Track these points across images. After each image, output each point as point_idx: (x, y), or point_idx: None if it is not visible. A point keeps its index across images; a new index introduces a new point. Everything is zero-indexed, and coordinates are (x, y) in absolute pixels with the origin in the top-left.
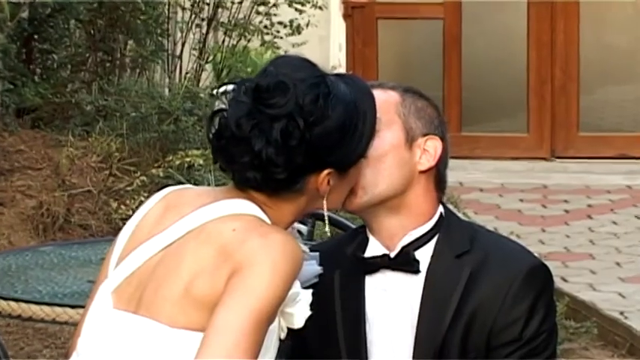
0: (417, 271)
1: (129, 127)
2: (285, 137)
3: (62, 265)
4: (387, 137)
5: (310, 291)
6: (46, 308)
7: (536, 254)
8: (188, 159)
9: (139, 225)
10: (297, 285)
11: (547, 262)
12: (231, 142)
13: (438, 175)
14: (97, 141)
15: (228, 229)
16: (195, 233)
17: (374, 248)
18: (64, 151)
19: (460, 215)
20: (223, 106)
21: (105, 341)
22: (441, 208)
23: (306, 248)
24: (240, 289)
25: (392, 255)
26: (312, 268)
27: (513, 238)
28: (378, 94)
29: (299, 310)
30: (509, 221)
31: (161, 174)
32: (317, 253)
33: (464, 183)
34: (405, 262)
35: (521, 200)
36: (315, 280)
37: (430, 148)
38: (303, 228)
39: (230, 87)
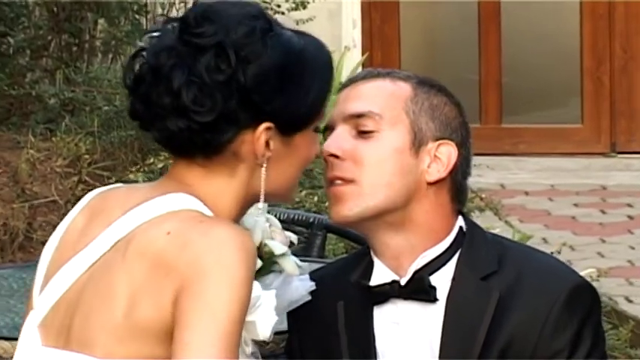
0: (434, 300)
1: (101, 123)
2: (211, 72)
3: (23, 292)
4: (389, 138)
5: (273, 291)
6: (5, 343)
7: (594, 270)
8: (172, 161)
9: (63, 240)
10: (256, 287)
11: (608, 279)
12: (151, 83)
13: (453, 186)
14: (63, 141)
15: (162, 234)
16: (125, 243)
17: (381, 274)
18: (24, 153)
19: (501, 224)
20: (143, 45)
21: None
22: (460, 221)
23: (299, 262)
24: (196, 314)
25: (403, 282)
26: (304, 284)
27: (566, 250)
28: (385, 85)
29: (262, 317)
30: (562, 230)
31: (140, 179)
32: (307, 265)
33: (506, 185)
34: (418, 289)
35: (576, 205)
36: (308, 297)
37: (442, 156)
38: (294, 237)
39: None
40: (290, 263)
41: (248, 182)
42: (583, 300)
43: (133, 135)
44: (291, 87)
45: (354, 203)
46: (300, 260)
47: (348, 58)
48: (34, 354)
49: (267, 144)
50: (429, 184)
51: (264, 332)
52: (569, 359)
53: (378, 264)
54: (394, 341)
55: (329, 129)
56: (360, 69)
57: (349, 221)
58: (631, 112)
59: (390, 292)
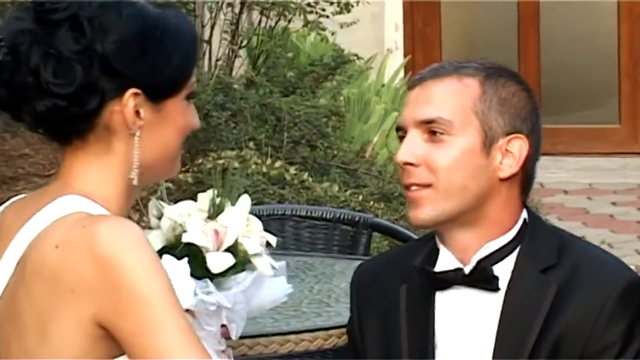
0: (496, 289)
1: None
2: (67, 45)
3: None
4: (459, 142)
5: (185, 260)
6: None
7: (632, 267)
8: (221, 161)
9: None
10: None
11: None
12: (12, 67)
13: (524, 178)
14: None
15: (51, 248)
16: (22, 263)
17: (446, 261)
18: None
19: None
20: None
21: None
22: (524, 214)
23: (275, 263)
24: (152, 332)
25: (467, 270)
26: (279, 285)
27: (604, 247)
28: (452, 86)
29: (178, 289)
30: (600, 228)
31: (190, 179)
32: (284, 263)
33: (545, 184)
34: (482, 278)
35: (614, 203)
36: (284, 299)
37: (514, 150)
38: (273, 239)
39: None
40: (264, 263)
41: (126, 157)
42: (637, 296)
43: None
44: (151, 51)
45: (431, 207)
46: (347, 259)
47: (391, 61)
48: None
49: (137, 113)
50: (502, 180)
51: (185, 302)
52: (621, 353)
53: (443, 251)
54: (452, 326)
55: (401, 129)
56: (402, 71)
57: (427, 225)
58: None
59: (454, 279)
